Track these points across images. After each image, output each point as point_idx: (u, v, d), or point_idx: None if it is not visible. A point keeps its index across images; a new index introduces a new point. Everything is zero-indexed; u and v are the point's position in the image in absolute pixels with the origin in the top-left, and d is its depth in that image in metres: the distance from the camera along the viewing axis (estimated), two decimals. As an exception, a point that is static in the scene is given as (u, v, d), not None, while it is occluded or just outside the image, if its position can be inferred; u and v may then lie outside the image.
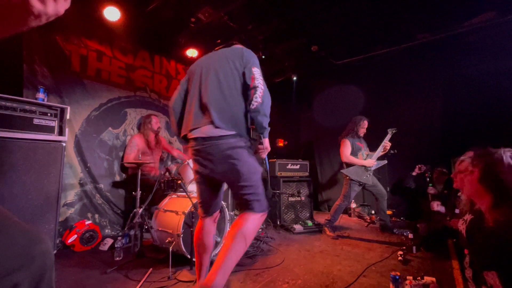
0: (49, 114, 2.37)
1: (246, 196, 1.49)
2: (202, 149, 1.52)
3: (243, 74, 1.57)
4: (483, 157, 1.15)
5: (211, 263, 1.58)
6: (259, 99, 1.47)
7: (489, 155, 1.12)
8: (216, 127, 1.47)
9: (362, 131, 3.66)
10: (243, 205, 1.52)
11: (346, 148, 3.56)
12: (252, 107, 1.49)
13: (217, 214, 1.75)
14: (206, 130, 1.49)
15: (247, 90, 1.53)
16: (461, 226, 1.36)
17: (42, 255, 0.77)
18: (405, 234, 3.17)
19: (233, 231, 1.44)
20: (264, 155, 1.68)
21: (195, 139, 1.53)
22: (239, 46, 1.81)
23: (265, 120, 1.53)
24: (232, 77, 1.57)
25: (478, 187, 1.12)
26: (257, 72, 1.54)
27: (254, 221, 1.48)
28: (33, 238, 0.78)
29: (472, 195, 1.21)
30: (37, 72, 2.91)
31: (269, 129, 1.59)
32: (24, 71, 2.81)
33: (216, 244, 2.54)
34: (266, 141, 1.64)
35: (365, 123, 3.66)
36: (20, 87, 2.75)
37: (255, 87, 1.49)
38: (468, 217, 1.33)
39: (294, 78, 5.53)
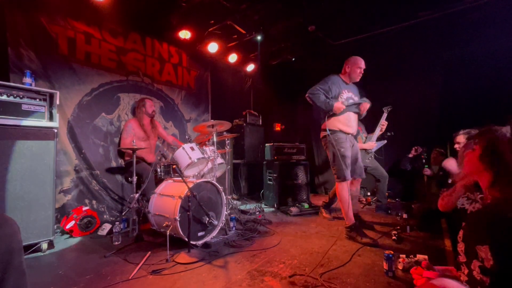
0: (37, 100, 2.29)
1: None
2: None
3: None
4: (485, 134, 1.11)
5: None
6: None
7: (492, 132, 1.09)
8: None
9: None
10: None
11: None
12: None
13: (349, 181, 2.69)
14: None
15: None
16: (468, 205, 1.37)
17: (5, 238, 0.77)
18: (399, 214, 3.22)
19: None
20: None
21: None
22: None
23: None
24: None
25: (478, 165, 1.10)
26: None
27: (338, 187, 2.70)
28: None
29: (471, 173, 1.18)
30: (23, 55, 2.80)
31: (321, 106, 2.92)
32: (9, 55, 2.70)
33: (214, 227, 2.57)
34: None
35: None
36: (6, 71, 2.66)
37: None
38: (477, 196, 1.34)
39: (293, 59, 5.37)
